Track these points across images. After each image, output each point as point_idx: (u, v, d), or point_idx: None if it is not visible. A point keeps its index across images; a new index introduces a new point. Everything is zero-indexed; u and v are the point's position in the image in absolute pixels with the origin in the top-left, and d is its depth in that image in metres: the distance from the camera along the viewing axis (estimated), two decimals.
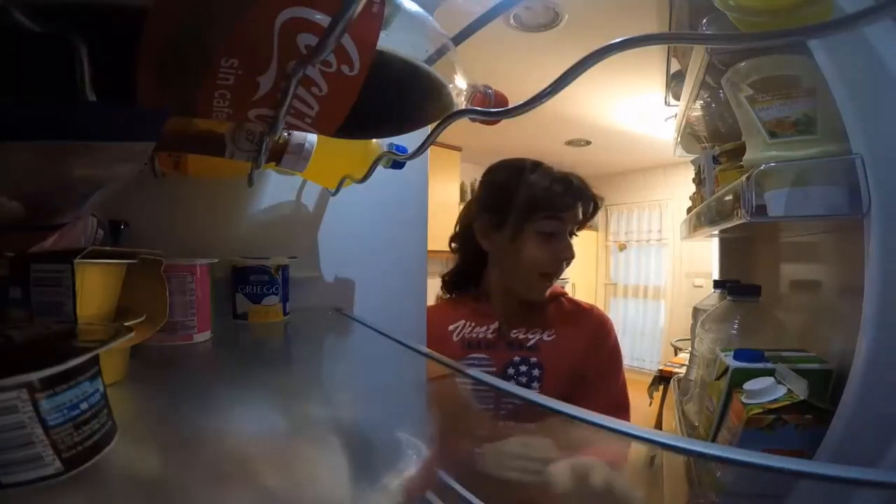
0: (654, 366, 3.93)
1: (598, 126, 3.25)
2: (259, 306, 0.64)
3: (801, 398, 0.54)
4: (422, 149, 0.44)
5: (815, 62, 0.53)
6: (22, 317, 0.30)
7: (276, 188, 0.74)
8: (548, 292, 0.86)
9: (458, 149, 3.64)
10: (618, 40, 0.23)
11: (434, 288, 0.96)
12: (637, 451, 0.32)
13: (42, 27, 0.22)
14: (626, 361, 0.96)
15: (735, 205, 0.67)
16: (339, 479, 0.26)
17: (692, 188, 1.19)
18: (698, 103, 1.06)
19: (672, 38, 0.56)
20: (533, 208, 0.81)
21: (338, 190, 0.67)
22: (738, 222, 0.66)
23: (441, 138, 0.39)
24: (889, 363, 0.48)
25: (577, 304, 0.91)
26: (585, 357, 0.83)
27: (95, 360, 0.23)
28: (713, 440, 0.66)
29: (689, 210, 1.23)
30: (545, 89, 0.27)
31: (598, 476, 0.34)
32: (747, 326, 0.78)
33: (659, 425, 2.22)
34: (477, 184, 1.00)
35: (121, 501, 0.23)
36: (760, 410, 0.56)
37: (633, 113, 2.96)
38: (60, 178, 0.27)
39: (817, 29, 0.20)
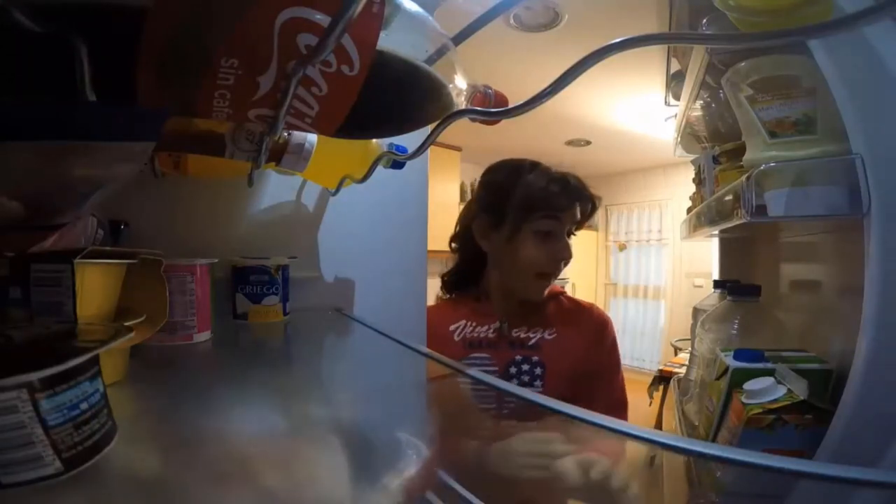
0: (654, 366, 3.93)
1: (598, 126, 3.25)
2: (259, 306, 0.64)
3: (801, 398, 0.54)
4: (422, 149, 0.44)
5: (815, 62, 0.53)
6: (22, 317, 0.30)
7: (276, 188, 0.74)
8: (546, 292, 0.86)
9: (458, 149, 3.64)
10: (618, 40, 0.23)
11: (434, 288, 0.96)
12: (637, 451, 0.32)
13: (42, 27, 0.22)
14: (625, 361, 0.96)
15: (735, 205, 0.67)
16: (339, 479, 0.26)
17: (692, 188, 1.19)
18: (698, 103, 1.06)
19: (672, 38, 0.56)
20: (530, 208, 0.81)
21: (338, 190, 0.67)
22: (738, 222, 0.66)
23: (441, 138, 0.39)
24: (889, 363, 0.48)
25: (576, 303, 0.91)
26: (587, 355, 0.83)
27: (95, 360, 0.23)
28: (713, 440, 0.66)
29: (689, 210, 1.23)
30: (545, 89, 0.27)
31: (603, 472, 0.34)
32: (747, 326, 0.79)
33: (659, 425, 2.22)
34: (477, 184, 1.00)
35: (121, 501, 0.23)
36: (760, 410, 0.56)
37: (633, 113, 2.96)
38: (60, 178, 0.27)
39: (817, 29, 0.20)
